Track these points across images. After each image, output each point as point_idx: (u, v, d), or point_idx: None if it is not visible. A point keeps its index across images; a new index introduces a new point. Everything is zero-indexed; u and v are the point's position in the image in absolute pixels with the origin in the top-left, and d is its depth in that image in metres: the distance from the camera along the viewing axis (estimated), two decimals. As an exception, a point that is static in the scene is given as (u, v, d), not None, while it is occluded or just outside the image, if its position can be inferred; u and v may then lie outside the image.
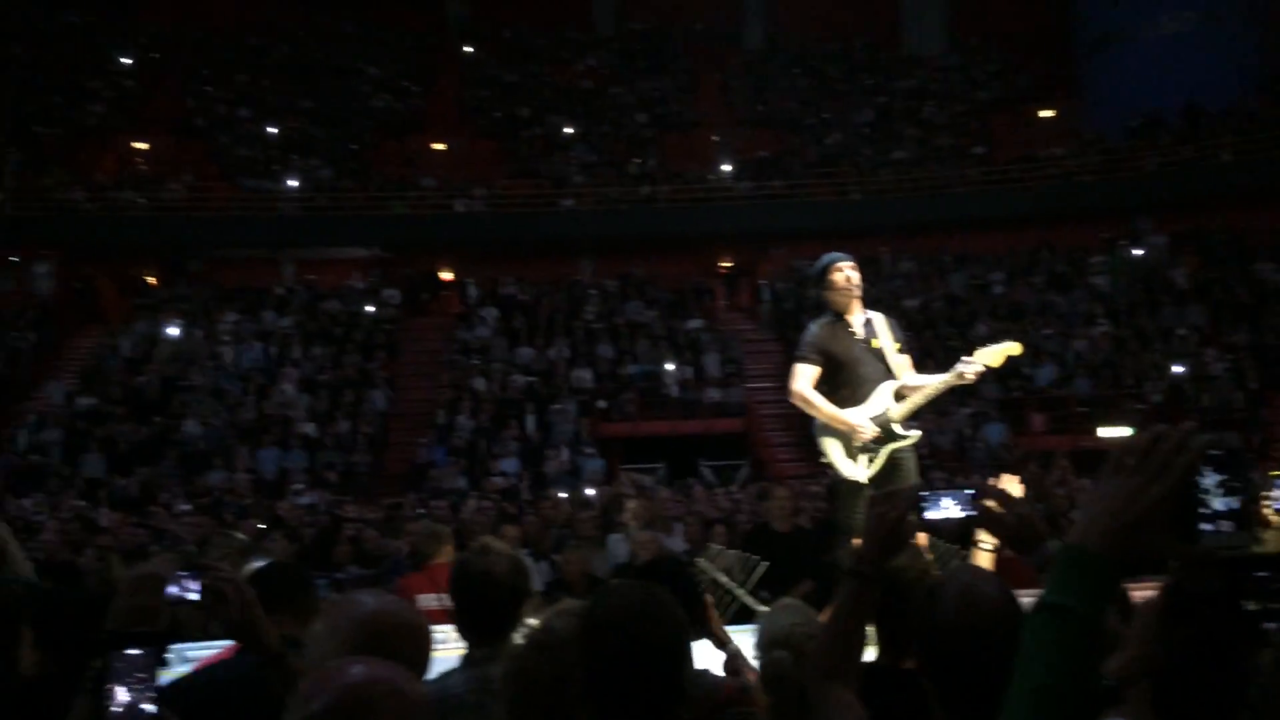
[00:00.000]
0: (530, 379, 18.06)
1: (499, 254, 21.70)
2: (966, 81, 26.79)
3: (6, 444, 16.61)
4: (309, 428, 16.70)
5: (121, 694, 1.31)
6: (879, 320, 4.77)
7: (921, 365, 4.99)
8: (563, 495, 10.07)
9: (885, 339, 4.72)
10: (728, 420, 17.96)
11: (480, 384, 17.80)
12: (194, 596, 1.96)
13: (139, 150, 23.40)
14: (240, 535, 5.92)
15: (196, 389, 17.53)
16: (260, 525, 8.61)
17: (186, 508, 11.97)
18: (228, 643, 2.58)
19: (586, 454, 16.37)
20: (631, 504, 8.07)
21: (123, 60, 25.99)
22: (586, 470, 15.70)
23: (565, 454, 16.20)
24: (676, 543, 7.27)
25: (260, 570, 2.28)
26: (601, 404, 17.86)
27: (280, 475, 15.56)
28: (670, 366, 18.37)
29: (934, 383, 4.61)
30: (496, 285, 20.99)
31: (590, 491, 11.09)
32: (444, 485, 14.78)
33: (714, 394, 18.26)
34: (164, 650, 1.67)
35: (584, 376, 18.35)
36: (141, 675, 1.52)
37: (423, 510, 9.55)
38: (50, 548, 7.60)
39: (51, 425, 16.54)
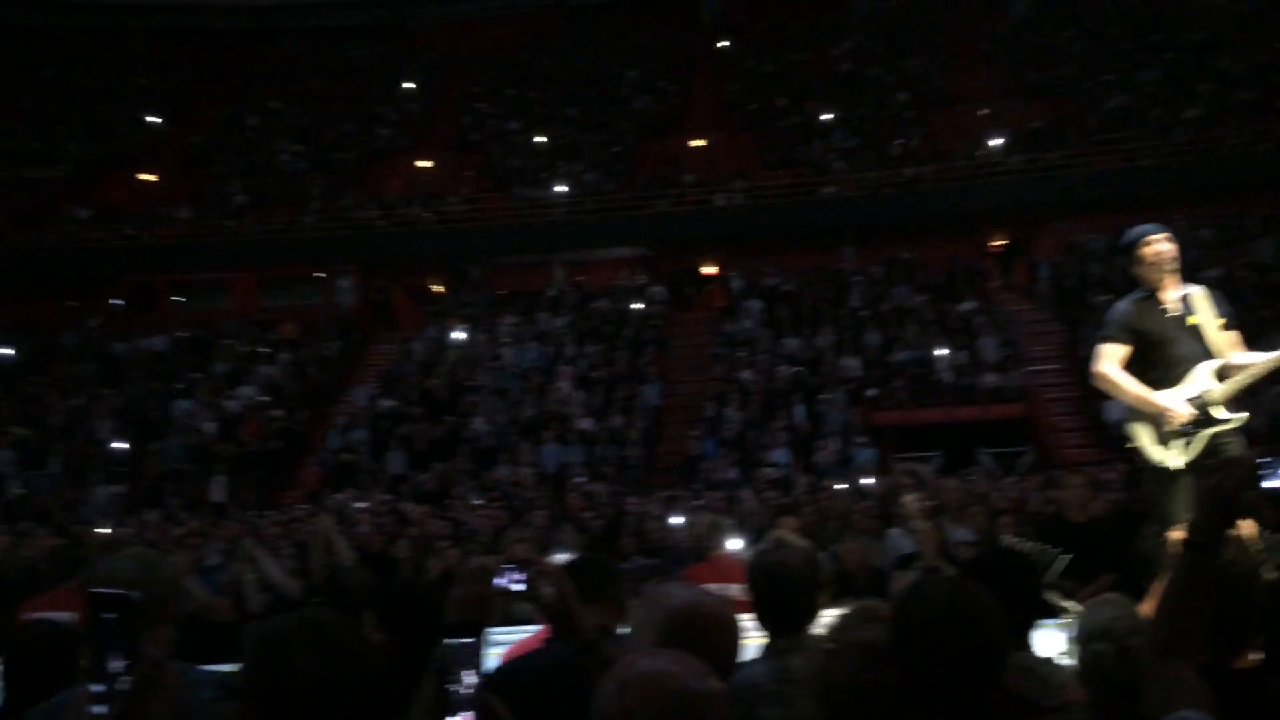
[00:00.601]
0: (797, 369, 17.95)
1: (761, 246, 21.71)
2: (1268, 28, 24.23)
3: (321, 444, 18.32)
4: (586, 423, 17.35)
5: (468, 677, 1.39)
6: (1198, 294, 4.36)
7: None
8: (839, 486, 9.93)
9: (1205, 314, 4.31)
10: (1006, 405, 17.12)
11: (747, 376, 17.88)
12: (518, 587, 2.06)
13: (423, 168, 25.10)
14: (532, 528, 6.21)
15: (482, 389, 18.63)
16: (550, 517, 9.01)
17: (479, 501, 12.72)
18: (527, 631, 2.72)
19: (858, 443, 16.10)
20: (911, 494, 7.84)
21: (405, 86, 27.99)
22: (858, 460, 15.43)
23: (836, 444, 16.00)
24: (963, 534, 6.98)
25: (571, 563, 2.39)
26: (871, 392, 17.50)
27: (561, 469, 16.26)
28: (942, 351, 17.74)
29: (1262, 361, 4.17)
30: (759, 277, 21.01)
31: (867, 481, 10.87)
32: (716, 476, 14.96)
33: (991, 378, 17.47)
34: (487, 638, 1.76)
35: (851, 365, 18.05)
36: (471, 660, 1.60)
37: (699, 502, 9.69)
38: (365, 539, 8.26)
39: (359, 426, 18.07)
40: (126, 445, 18.09)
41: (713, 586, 5.09)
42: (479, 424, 17.65)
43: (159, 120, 26.10)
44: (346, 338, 21.51)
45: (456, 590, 1.85)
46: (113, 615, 1.10)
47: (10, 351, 20.57)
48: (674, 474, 16.00)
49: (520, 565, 2.11)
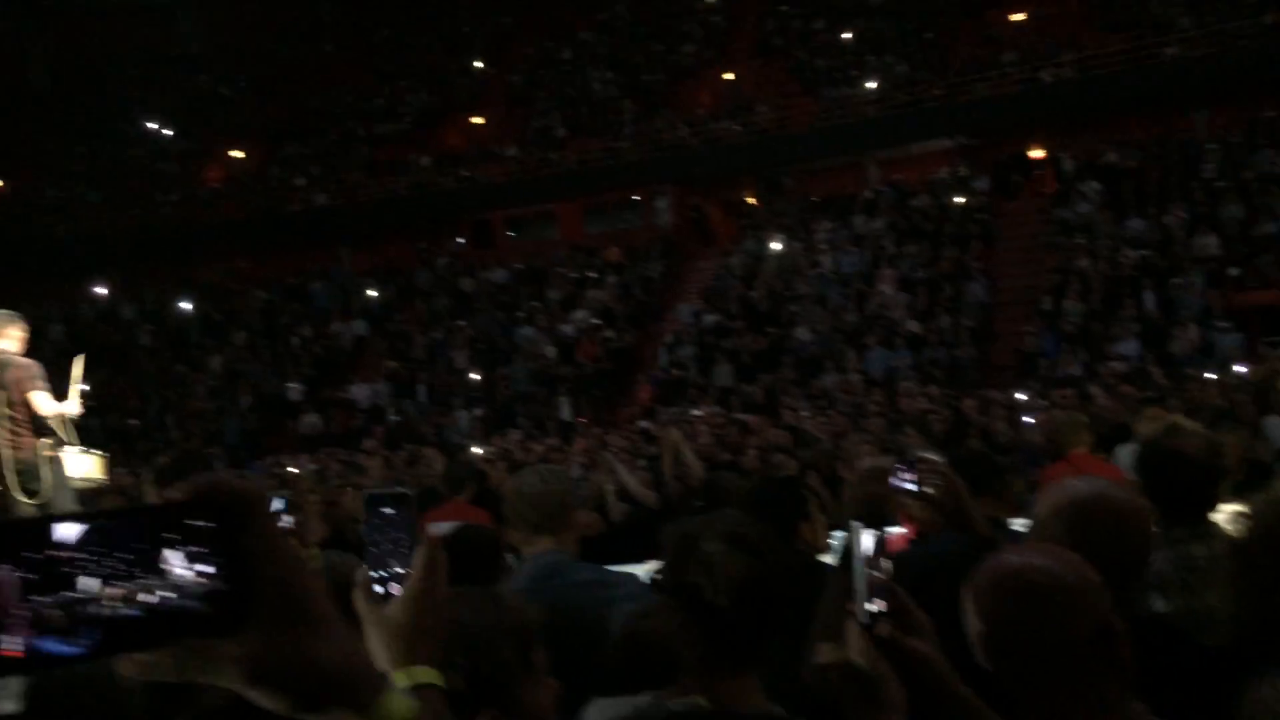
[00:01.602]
0: (1144, 253, 16.52)
1: (1095, 121, 19.97)
2: None
3: (651, 362, 19.08)
4: (912, 325, 16.92)
5: (886, 564, 1.42)
6: None
7: None
8: (1208, 375, 9.11)
9: None
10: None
11: (1086, 264, 16.69)
12: (910, 486, 2.07)
13: (728, 80, 25.05)
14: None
15: (802, 298, 18.61)
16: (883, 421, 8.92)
17: (806, 412, 12.80)
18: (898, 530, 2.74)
19: (1220, 329, 14.66)
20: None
21: (707, -1, 27.97)
22: (1221, 346, 14.08)
23: (1194, 331, 14.66)
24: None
25: (960, 458, 2.37)
26: (1233, 271, 15.82)
27: (888, 374, 16.01)
28: (1321, 220, 15.70)
29: None
30: (1095, 156, 19.40)
31: (1238, 369, 9.90)
32: (1058, 373, 14.17)
33: (1383, 247, 15.30)
34: (886, 534, 1.78)
35: (1208, 243, 16.37)
36: (877, 554, 1.63)
37: (1044, 400, 9.24)
38: (708, 450, 8.56)
39: (685, 342, 18.63)
40: (480, 371, 19.74)
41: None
42: (802, 333, 17.68)
43: (482, 65, 27.68)
44: (667, 257, 22.11)
45: (856, 490, 1.89)
46: (391, 510, 1.22)
47: (376, 293, 22.88)
48: (1009, 373, 15.32)
49: (912, 464, 2.12)
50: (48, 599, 0.82)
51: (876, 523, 1.80)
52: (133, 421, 20.13)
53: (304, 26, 30.96)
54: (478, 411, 18.59)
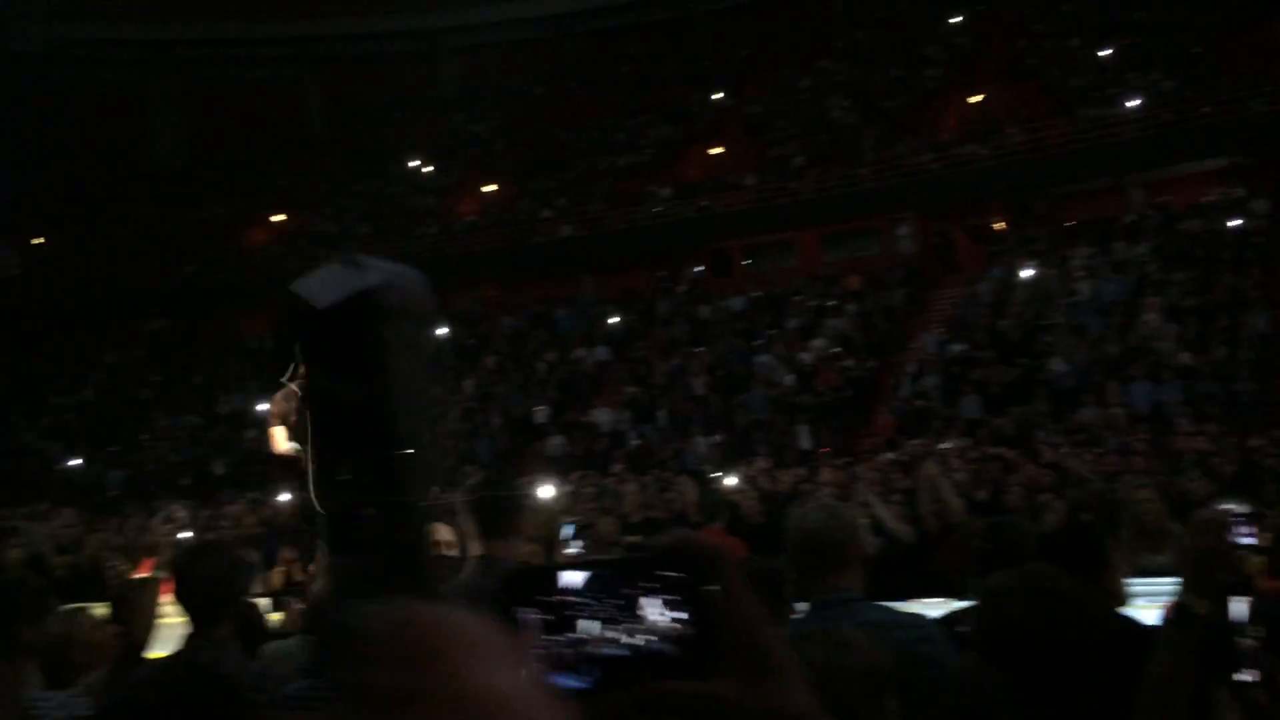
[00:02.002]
0: None
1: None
2: None
3: (892, 391, 18.66)
4: (1183, 357, 15.79)
5: (1257, 631, 1.34)
6: None
7: None
8: None
9: None
10: None
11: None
12: (1251, 541, 1.94)
13: (975, 103, 24.29)
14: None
15: (1057, 327, 17.73)
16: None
17: (1065, 448, 12.14)
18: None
19: None
20: None
21: (952, 20, 27.26)
22: None
23: None
24: None
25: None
26: None
27: (1154, 409, 14.99)
28: None
29: None
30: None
31: None
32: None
33: None
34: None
35: None
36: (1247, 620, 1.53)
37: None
38: (962, 486, 8.28)
39: (929, 372, 18.11)
40: (717, 399, 19.89)
41: None
42: (1057, 364, 16.83)
43: (721, 96, 28.05)
44: (909, 284, 21.60)
45: (1190, 543, 1.77)
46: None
47: (618, 320, 23.52)
48: (1298, 411, 14.01)
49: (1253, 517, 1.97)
50: (559, 639, 0.90)
51: (1212, 580, 1.70)
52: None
53: (550, 67, 32.41)
54: (716, 438, 18.73)
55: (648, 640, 0.88)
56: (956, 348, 18.45)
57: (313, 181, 30.92)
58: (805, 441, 17.67)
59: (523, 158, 29.31)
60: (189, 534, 8.90)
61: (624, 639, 0.88)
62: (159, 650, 3.73)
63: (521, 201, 27.69)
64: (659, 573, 0.89)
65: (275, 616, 5.04)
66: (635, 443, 19.59)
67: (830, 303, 21.46)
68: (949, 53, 26.26)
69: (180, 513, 11.95)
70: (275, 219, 29.58)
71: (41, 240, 31.46)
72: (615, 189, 26.76)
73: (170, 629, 3.74)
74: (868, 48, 27.66)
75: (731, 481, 10.21)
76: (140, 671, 3.33)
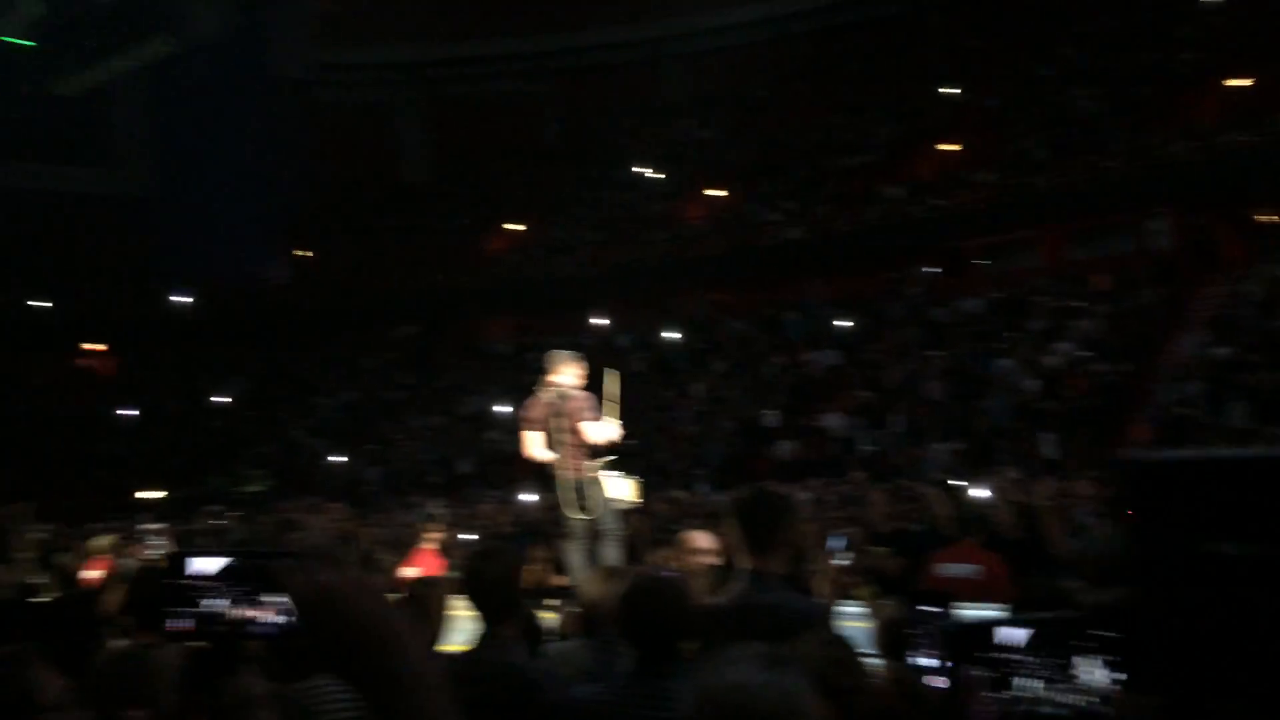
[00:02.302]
0: None
1: None
2: None
3: (1149, 397, 17.53)
4: None
5: None
6: None
7: None
8: None
9: None
10: None
11: None
12: None
13: (1236, 87, 22.47)
14: None
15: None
16: None
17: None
18: None
19: None
20: None
21: (1205, 0, 25.32)
22: None
23: None
24: None
25: None
26: None
27: None
28: None
29: None
30: None
31: None
32: None
33: None
34: None
35: None
36: None
37: None
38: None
39: (1192, 377, 16.91)
40: (954, 404, 19.28)
41: None
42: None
43: (955, 90, 27.17)
44: (1165, 283, 20.24)
45: None
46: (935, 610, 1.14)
47: (848, 323, 23.19)
48: None
49: None
50: (1001, 696, 0.93)
51: None
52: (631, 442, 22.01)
53: (775, 69, 32.31)
54: (954, 445, 18.17)
55: (1088, 702, 0.91)
56: (1222, 351, 17.15)
57: (547, 191, 32.11)
58: (1050, 450, 16.87)
59: (748, 161, 29.38)
60: (470, 535, 9.38)
61: (1065, 699, 0.91)
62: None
63: (748, 205, 27.76)
64: (1096, 632, 0.91)
65: (545, 617, 5.29)
66: (868, 449, 19.28)
67: (1077, 303, 20.39)
68: (1206, 34, 24.40)
69: (438, 510, 12.71)
70: (513, 228, 30.88)
71: (304, 252, 34.12)
72: (843, 190, 26.40)
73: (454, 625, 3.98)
74: (1114, 32, 26.09)
75: (981, 493, 9.88)
76: (445, 664, 3.55)
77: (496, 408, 25.59)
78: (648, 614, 3.13)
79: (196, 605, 1.19)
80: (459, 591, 3.69)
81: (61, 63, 14.04)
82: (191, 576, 1.19)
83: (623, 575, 4.22)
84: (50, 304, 30.33)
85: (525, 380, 27.07)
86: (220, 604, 1.17)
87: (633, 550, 7.88)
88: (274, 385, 30.51)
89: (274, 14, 27.23)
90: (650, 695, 3.04)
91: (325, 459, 25.76)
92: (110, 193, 33.41)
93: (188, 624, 1.18)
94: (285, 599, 1.16)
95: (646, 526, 10.06)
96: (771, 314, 25.03)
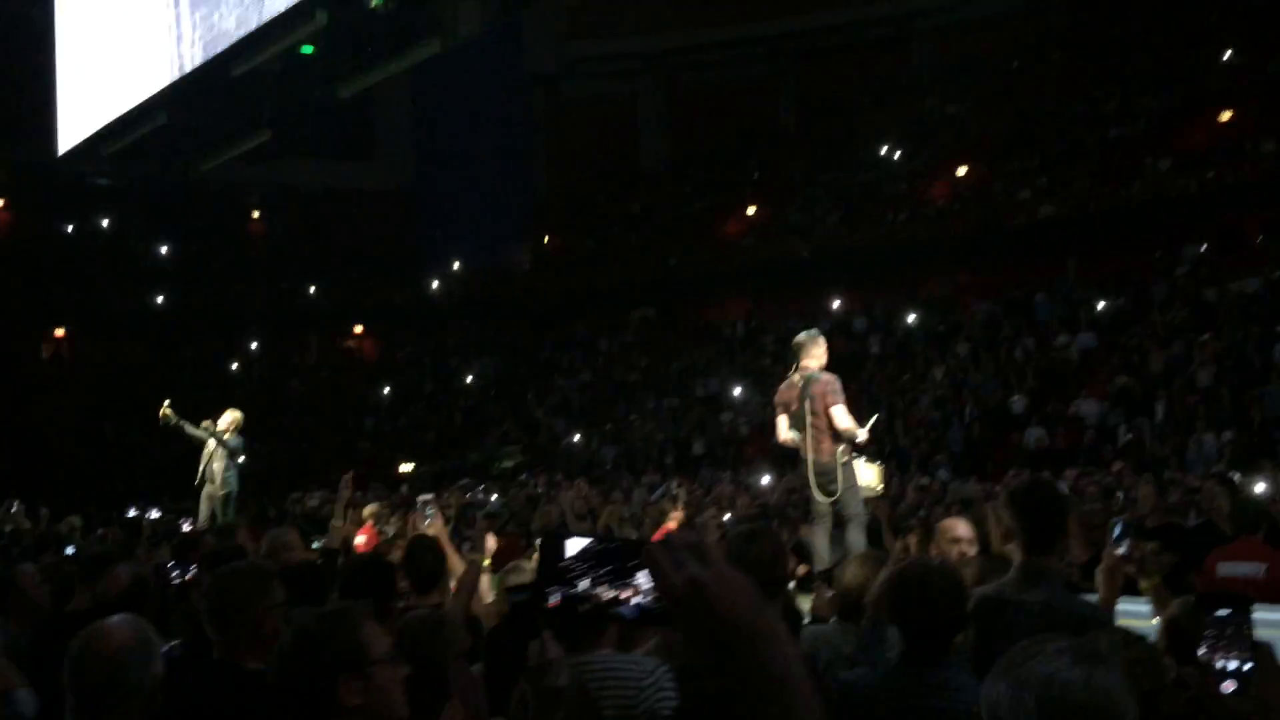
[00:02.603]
0: None
1: None
2: None
3: None
4: None
5: None
6: None
7: None
8: None
9: None
10: None
11: None
12: None
13: None
14: None
15: None
16: None
17: None
18: None
19: None
20: None
21: None
22: None
23: None
24: None
25: None
26: None
27: None
28: None
29: None
30: None
31: None
32: None
33: None
34: None
35: None
36: None
37: None
38: None
39: None
40: (1227, 392, 17.76)
41: None
42: None
43: (1233, 56, 24.94)
44: None
45: None
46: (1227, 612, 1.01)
47: (1104, 306, 21.79)
48: None
49: None
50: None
51: None
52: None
53: (1030, 39, 30.68)
54: (1226, 435, 16.75)
55: None
56: None
57: (783, 174, 31.87)
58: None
59: (999, 137, 28.06)
60: (714, 515, 9.43)
61: None
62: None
63: (997, 183, 26.55)
64: None
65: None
66: (1127, 438, 18.07)
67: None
68: None
69: (678, 490, 12.89)
70: (748, 211, 30.86)
71: (548, 239, 35.41)
72: (1103, 164, 24.77)
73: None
74: None
75: (1260, 486, 9.10)
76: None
77: (730, 390, 25.77)
78: (921, 601, 3.02)
79: (567, 583, 1.23)
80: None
81: (341, 68, 15.10)
82: (566, 557, 1.23)
83: (883, 561, 4.11)
84: (320, 291, 32.86)
85: (759, 363, 27.18)
86: (584, 584, 1.21)
87: (875, 537, 7.69)
88: (518, 366, 31.84)
89: (528, 13, 28.35)
90: (923, 684, 2.94)
91: (564, 438, 26.65)
92: (373, 187, 35.85)
93: (556, 599, 1.22)
94: (646, 584, 1.18)
95: (890, 512, 9.83)
96: (1020, 296, 23.84)
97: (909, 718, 3.03)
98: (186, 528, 8.39)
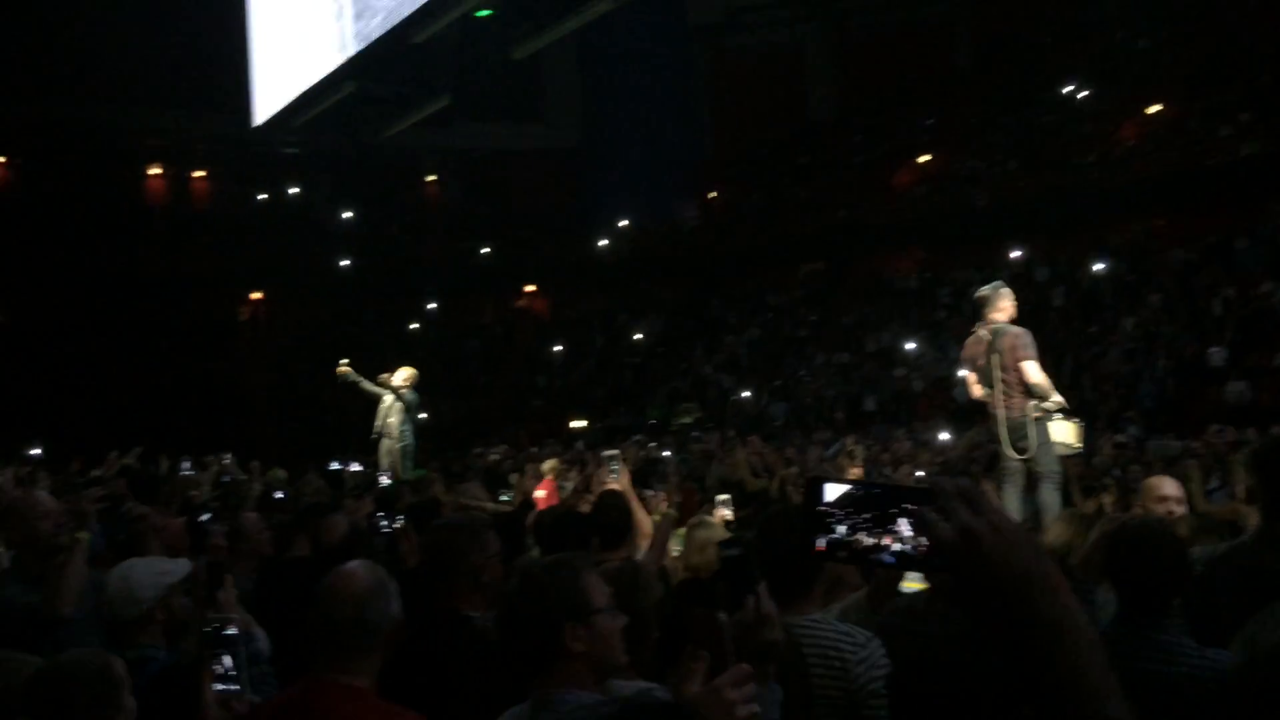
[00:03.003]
0: None
1: None
2: None
3: None
4: None
5: None
6: None
7: None
8: None
9: None
10: None
11: None
12: None
13: None
14: None
15: None
16: None
17: None
18: None
19: None
20: None
21: None
22: None
23: None
24: None
25: None
26: None
27: None
28: None
29: None
30: None
31: None
32: None
33: None
34: None
35: None
36: None
37: None
38: None
39: None
40: None
41: None
42: None
43: None
44: None
45: None
46: None
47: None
48: None
49: None
50: None
51: None
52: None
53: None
54: None
55: None
56: None
57: (960, 119, 30.70)
58: None
59: (1195, 71, 26.20)
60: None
61: None
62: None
63: (1193, 120, 24.86)
64: None
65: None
66: (1342, 393, 16.82)
67: None
68: None
69: (854, 447, 12.71)
70: (921, 160, 29.92)
71: (714, 195, 35.25)
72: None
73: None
74: None
75: None
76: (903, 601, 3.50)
77: (903, 344, 25.21)
78: (1141, 561, 2.90)
79: (830, 530, 1.22)
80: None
81: (516, 30, 15.38)
82: (825, 502, 1.22)
83: (1088, 520, 3.96)
84: (493, 251, 33.74)
85: (933, 317, 26.42)
86: (842, 529, 1.20)
87: (1067, 495, 7.40)
88: (686, 323, 31.97)
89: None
90: (1141, 647, 2.83)
91: (733, 395, 26.66)
92: (543, 147, 36.44)
93: (821, 545, 1.22)
94: (908, 531, 1.16)
95: (1082, 470, 9.46)
96: (1219, 241, 22.36)
97: (1125, 680, 2.92)
98: (384, 480, 8.80)
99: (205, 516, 4.86)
